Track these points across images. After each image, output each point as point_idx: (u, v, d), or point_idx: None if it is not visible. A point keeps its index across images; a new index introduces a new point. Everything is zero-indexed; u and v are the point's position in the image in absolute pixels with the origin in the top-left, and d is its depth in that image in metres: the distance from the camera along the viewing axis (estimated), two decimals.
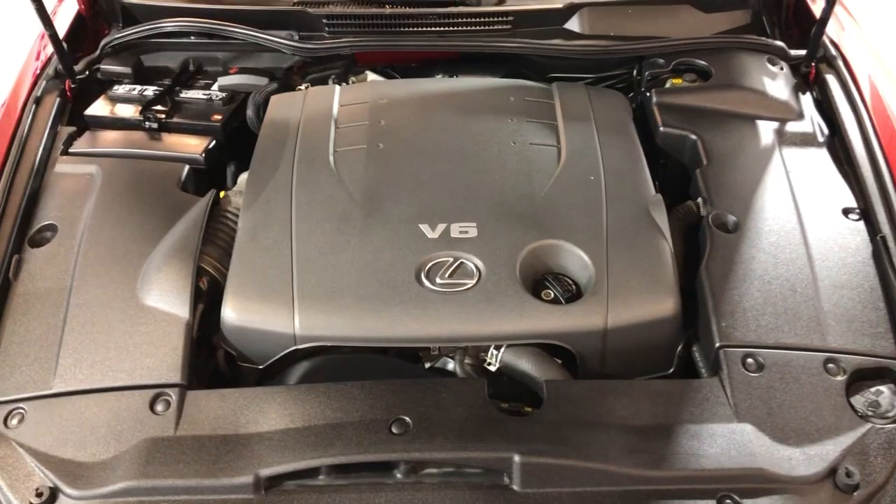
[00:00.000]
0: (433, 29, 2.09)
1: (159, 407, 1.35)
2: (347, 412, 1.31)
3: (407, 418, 1.29)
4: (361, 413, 1.31)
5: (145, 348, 1.42)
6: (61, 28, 2.09)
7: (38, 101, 1.93)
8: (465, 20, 2.09)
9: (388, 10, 2.08)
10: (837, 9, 2.01)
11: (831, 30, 2.02)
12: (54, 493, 1.26)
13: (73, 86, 2.01)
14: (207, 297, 1.55)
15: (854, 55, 1.99)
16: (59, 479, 1.26)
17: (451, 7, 2.08)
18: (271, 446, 1.27)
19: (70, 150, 1.86)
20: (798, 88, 1.95)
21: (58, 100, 1.95)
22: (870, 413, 1.33)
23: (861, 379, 1.37)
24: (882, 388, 1.36)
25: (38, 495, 1.25)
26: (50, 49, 2.00)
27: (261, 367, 1.48)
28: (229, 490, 1.24)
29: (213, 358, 1.53)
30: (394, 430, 1.28)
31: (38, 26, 1.90)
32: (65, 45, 1.98)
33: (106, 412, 1.35)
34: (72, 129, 1.91)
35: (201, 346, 1.52)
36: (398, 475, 1.27)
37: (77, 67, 2.04)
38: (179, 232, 1.60)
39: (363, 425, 1.29)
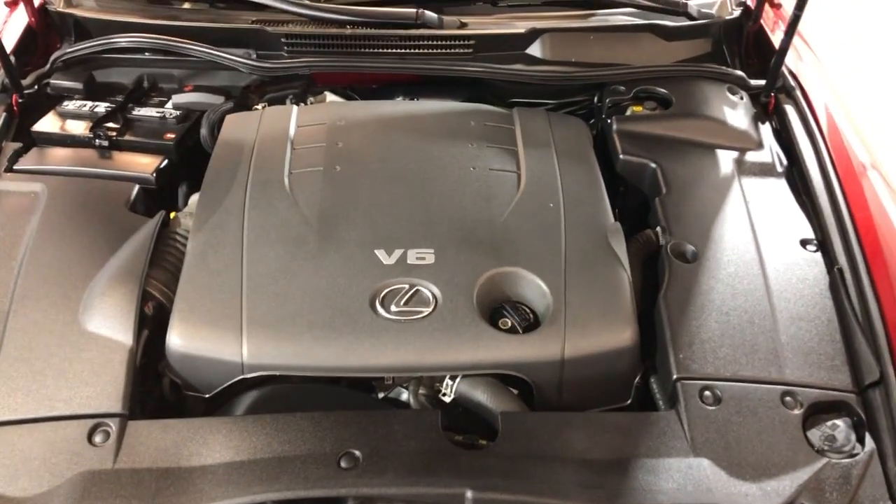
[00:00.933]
0: (394, 51, 2.07)
1: (98, 438, 1.29)
2: (295, 445, 1.27)
3: (356, 452, 1.25)
4: (310, 446, 1.27)
5: (85, 376, 1.36)
6: (10, 41, 2.04)
7: None
8: (426, 43, 2.07)
9: (348, 30, 2.06)
10: (796, 40, 2.03)
11: (790, 60, 2.05)
12: None
13: (20, 100, 1.95)
14: (153, 323, 1.49)
15: (812, 85, 2.01)
16: None
17: (413, 29, 2.06)
18: (215, 480, 1.22)
19: (15, 167, 1.79)
20: (757, 118, 1.97)
21: (3, 114, 1.89)
22: (826, 447, 1.31)
23: (817, 412, 1.36)
24: (838, 421, 1.35)
25: None
26: None
27: (207, 396, 1.43)
28: None
29: (158, 386, 1.47)
30: (342, 464, 1.23)
31: None
32: (13, 58, 1.92)
33: (40, 443, 1.28)
34: (17, 145, 1.85)
35: (146, 373, 1.46)
36: None
37: (25, 81, 1.98)
38: (125, 254, 1.55)
39: (311, 458, 1.24)
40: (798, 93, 2.00)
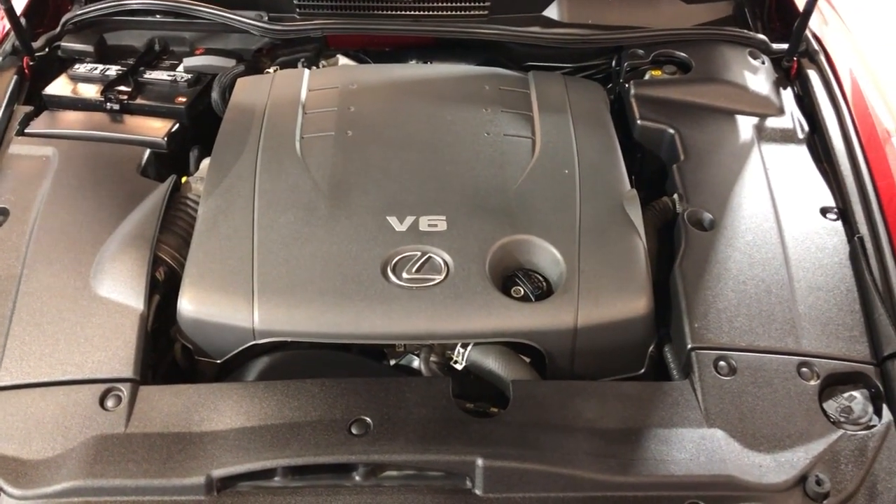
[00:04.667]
0: (408, 13, 2.04)
1: (110, 402, 1.29)
2: (306, 411, 1.27)
3: (367, 418, 1.25)
4: (321, 412, 1.26)
5: (97, 341, 1.36)
6: (21, 2, 2.01)
7: None
8: (441, 4, 2.04)
9: None
10: (821, 3, 1.98)
11: (814, 24, 1.99)
12: None
13: (31, 63, 1.94)
14: (164, 288, 1.49)
15: (836, 50, 1.96)
16: (1, 478, 1.20)
17: None
18: (225, 446, 1.22)
19: (26, 131, 1.78)
20: (779, 83, 1.92)
21: (14, 77, 1.88)
22: (842, 419, 1.30)
23: (834, 384, 1.35)
24: (855, 393, 1.33)
25: None
26: (7, 24, 1.91)
27: (219, 361, 1.43)
28: (180, 491, 1.19)
29: (170, 351, 1.48)
30: (353, 430, 1.23)
31: None
32: (23, 20, 1.91)
33: (53, 407, 1.29)
34: (29, 108, 1.84)
35: (158, 338, 1.46)
36: (357, 477, 1.23)
37: (36, 44, 1.97)
38: (136, 219, 1.54)
39: (322, 425, 1.24)
40: (822, 57, 1.95)
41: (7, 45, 1.94)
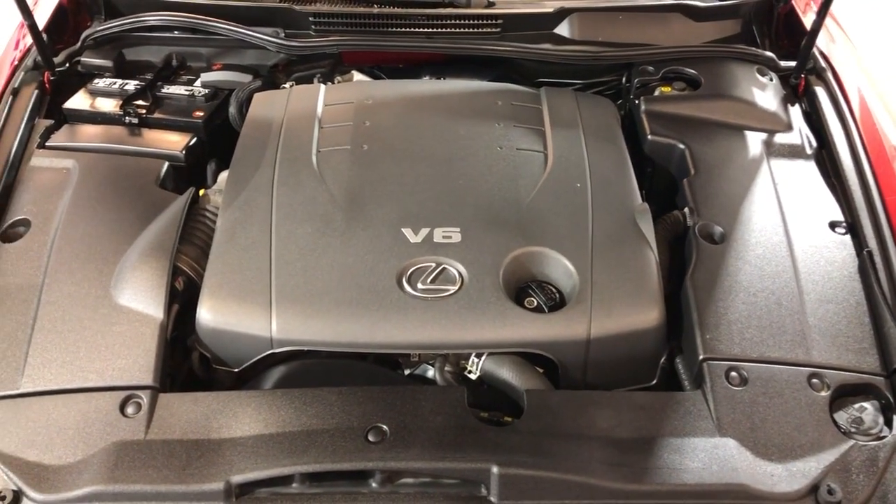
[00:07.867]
0: (421, 30, 2.06)
1: (130, 409, 1.31)
2: (323, 419, 1.29)
3: (384, 426, 1.26)
4: (337, 420, 1.28)
5: (117, 349, 1.39)
6: (42, 18, 2.05)
7: (15, 93, 1.89)
8: (453, 22, 2.06)
9: (375, 9, 2.06)
10: (828, 21, 2.00)
11: (821, 41, 2.02)
12: (18, 496, 1.22)
13: (52, 78, 1.97)
14: (183, 298, 1.51)
15: (843, 67, 1.99)
16: (24, 482, 1.22)
17: (440, 8, 2.06)
18: (244, 452, 1.24)
19: (47, 144, 1.82)
20: (787, 100, 1.94)
21: (36, 92, 1.91)
22: (853, 429, 1.31)
23: (845, 395, 1.36)
24: (865, 404, 1.35)
25: (1, 498, 1.21)
26: (29, 39, 1.95)
27: (236, 370, 1.45)
28: (199, 497, 1.21)
29: (188, 360, 1.50)
30: (370, 438, 1.25)
31: (19, 16, 1.86)
32: (45, 36, 1.94)
33: (74, 414, 1.31)
34: (49, 122, 1.87)
35: (176, 347, 1.48)
36: (373, 484, 1.24)
37: (57, 59, 2.00)
38: (156, 230, 1.57)
39: (339, 432, 1.26)
40: (829, 75, 1.97)
41: (28, 61, 1.98)
